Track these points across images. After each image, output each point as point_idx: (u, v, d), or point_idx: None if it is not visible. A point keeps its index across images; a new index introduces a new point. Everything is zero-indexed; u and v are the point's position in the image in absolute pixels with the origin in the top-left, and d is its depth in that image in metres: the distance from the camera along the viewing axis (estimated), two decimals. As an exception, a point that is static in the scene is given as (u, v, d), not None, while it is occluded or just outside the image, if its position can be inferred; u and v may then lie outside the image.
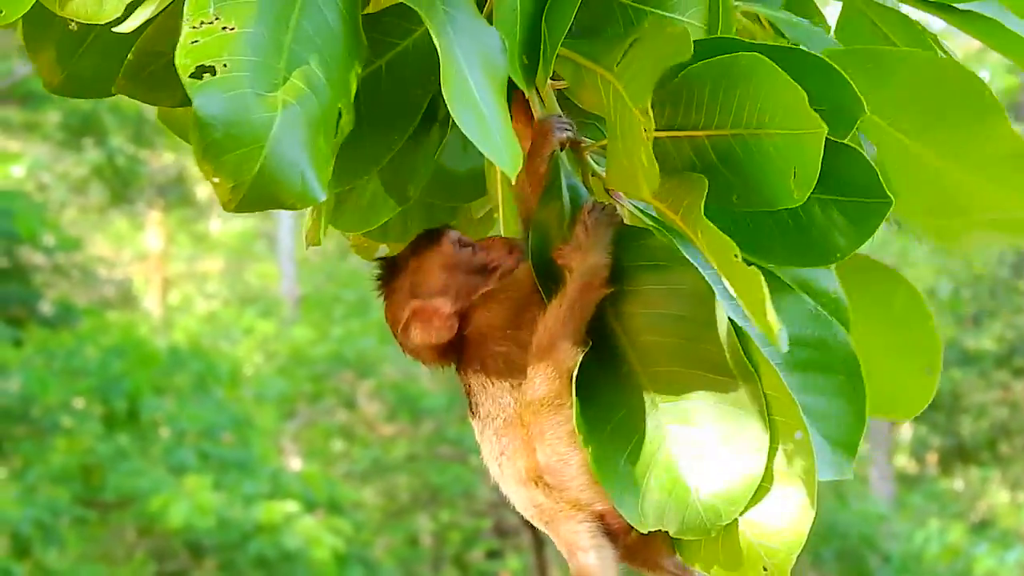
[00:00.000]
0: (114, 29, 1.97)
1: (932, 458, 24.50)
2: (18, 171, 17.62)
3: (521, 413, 1.95)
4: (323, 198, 1.67)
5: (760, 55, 1.76)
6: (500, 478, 2.03)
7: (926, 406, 1.96)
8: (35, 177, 20.17)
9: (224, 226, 28.47)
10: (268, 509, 14.22)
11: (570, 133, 1.92)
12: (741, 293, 1.71)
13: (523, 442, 1.95)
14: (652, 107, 1.74)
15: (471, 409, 2.04)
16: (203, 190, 26.93)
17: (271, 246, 26.24)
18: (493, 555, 23.46)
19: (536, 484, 1.97)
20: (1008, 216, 1.92)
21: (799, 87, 1.70)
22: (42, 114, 18.23)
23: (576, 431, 1.88)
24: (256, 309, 22.77)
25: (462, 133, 1.83)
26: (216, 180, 1.60)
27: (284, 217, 22.20)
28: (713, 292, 1.82)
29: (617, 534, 1.97)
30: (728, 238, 1.70)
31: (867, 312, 1.95)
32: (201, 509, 13.68)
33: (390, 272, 2.04)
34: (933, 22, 2.22)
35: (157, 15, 1.97)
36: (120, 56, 2.03)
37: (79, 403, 14.72)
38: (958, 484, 24.89)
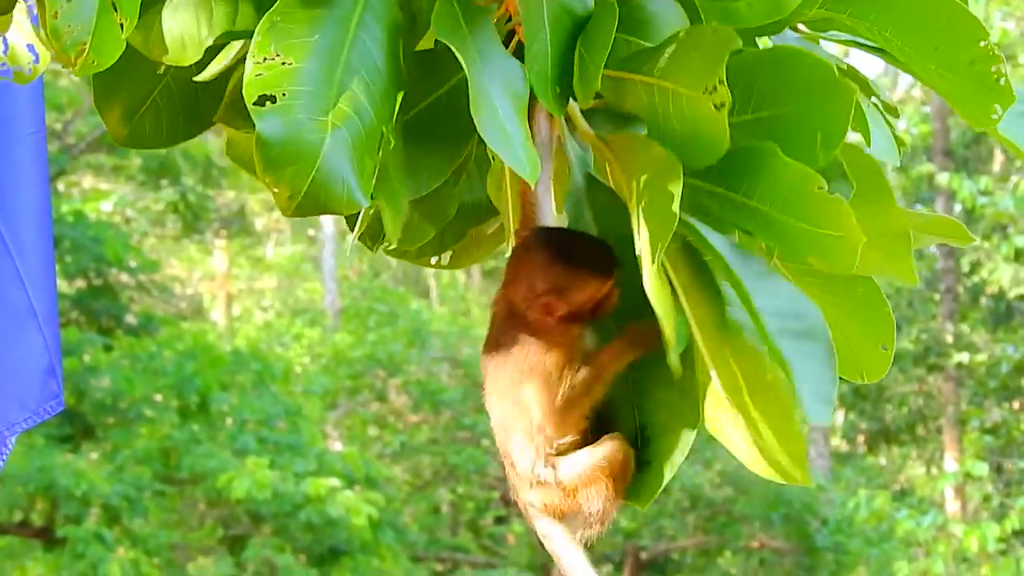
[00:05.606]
0: (194, 78, 1.99)
1: (861, 439, 24.85)
2: (107, 206, 17.94)
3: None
4: (366, 205, 1.63)
5: (790, 46, 1.75)
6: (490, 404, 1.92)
7: (886, 372, 1.98)
8: (121, 211, 20.37)
9: (277, 251, 29.63)
10: (315, 484, 14.23)
11: None
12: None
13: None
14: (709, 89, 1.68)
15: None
16: (260, 221, 27.34)
17: (316, 267, 26.62)
18: (500, 520, 23.91)
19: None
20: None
21: (828, 62, 1.67)
22: (126, 159, 18.66)
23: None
24: (304, 319, 22.96)
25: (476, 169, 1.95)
26: (276, 190, 1.59)
27: (327, 243, 23.44)
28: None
29: None
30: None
31: (836, 299, 1.94)
32: (260, 484, 13.81)
33: None
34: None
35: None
36: (169, 117, 2.06)
37: (159, 397, 14.83)
38: (882, 460, 25.28)
